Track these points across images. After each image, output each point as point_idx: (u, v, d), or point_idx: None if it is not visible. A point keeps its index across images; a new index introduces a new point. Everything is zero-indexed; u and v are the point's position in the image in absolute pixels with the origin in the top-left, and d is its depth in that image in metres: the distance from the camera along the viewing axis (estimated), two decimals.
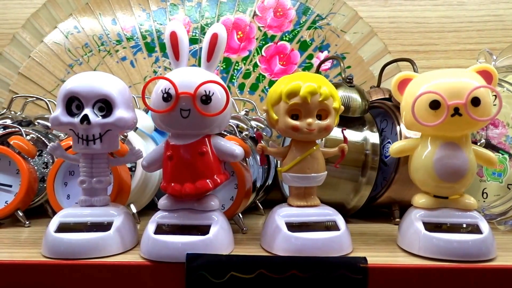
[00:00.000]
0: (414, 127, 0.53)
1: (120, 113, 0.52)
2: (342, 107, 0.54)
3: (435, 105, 0.50)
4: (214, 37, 0.52)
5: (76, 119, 0.51)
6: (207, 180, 0.51)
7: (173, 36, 0.52)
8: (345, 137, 0.55)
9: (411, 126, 0.53)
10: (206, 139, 0.52)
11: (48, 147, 0.55)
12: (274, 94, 0.53)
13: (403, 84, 0.54)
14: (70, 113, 0.52)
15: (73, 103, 0.52)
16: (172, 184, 0.51)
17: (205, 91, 0.49)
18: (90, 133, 0.51)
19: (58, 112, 0.52)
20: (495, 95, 0.54)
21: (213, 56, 0.52)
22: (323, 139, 0.63)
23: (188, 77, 0.50)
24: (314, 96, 0.51)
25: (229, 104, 0.51)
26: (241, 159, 0.54)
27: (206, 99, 0.50)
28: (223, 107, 0.50)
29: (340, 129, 0.56)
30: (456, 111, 0.49)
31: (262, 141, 0.55)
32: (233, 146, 0.53)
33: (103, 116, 0.52)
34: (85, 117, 0.51)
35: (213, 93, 0.50)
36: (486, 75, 0.52)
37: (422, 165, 0.52)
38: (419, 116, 0.50)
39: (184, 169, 0.51)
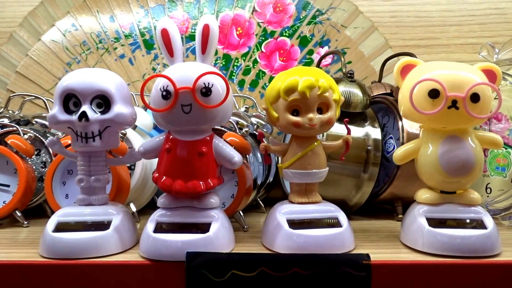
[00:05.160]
0: (410, 116, 0.53)
1: (118, 108, 0.51)
2: (342, 98, 0.54)
3: (434, 94, 0.49)
4: (206, 29, 0.51)
5: (74, 117, 0.50)
6: (200, 182, 0.50)
7: (165, 33, 0.52)
8: (348, 128, 0.54)
9: (407, 114, 0.53)
10: (208, 139, 0.51)
11: (47, 140, 0.54)
12: (272, 92, 0.52)
13: (405, 70, 0.53)
14: (67, 110, 0.51)
15: (70, 100, 0.51)
16: (164, 177, 0.51)
17: (204, 83, 0.49)
18: (89, 130, 0.51)
19: (55, 110, 0.51)
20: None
21: (207, 48, 0.52)
22: (325, 134, 0.62)
23: (185, 71, 0.50)
24: (312, 90, 0.50)
25: (230, 94, 0.50)
26: (238, 167, 0.53)
27: (206, 91, 0.49)
28: (224, 97, 0.49)
29: (343, 122, 0.55)
30: (454, 104, 0.49)
31: (264, 140, 0.54)
32: (233, 153, 0.52)
33: (102, 113, 0.51)
34: (83, 114, 0.50)
35: (212, 85, 0.49)
36: (490, 74, 0.51)
37: (428, 162, 0.52)
38: (417, 103, 0.50)
39: (179, 166, 0.51)
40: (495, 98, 0.52)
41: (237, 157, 0.52)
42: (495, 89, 0.50)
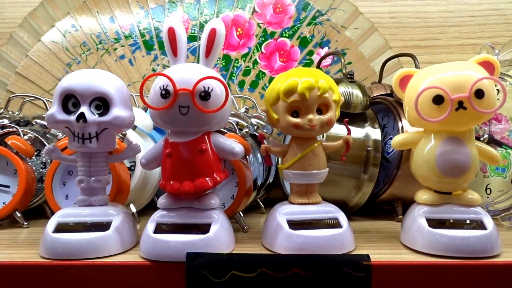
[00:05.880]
0: (418, 124, 0.53)
1: (117, 111, 0.51)
2: (342, 98, 0.54)
3: (438, 100, 0.49)
4: (213, 33, 0.51)
5: (72, 117, 0.50)
6: (207, 178, 0.50)
7: (171, 32, 0.52)
8: (348, 128, 0.54)
9: (415, 123, 0.53)
10: (206, 136, 0.51)
11: (44, 150, 0.54)
12: (272, 94, 0.52)
13: (404, 81, 0.53)
14: (66, 110, 0.51)
15: (69, 100, 0.51)
16: (171, 182, 0.51)
17: (204, 87, 0.49)
18: (86, 132, 0.51)
19: (54, 109, 0.51)
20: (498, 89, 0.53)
21: (211, 52, 0.52)
22: (325, 135, 0.62)
23: (186, 73, 0.50)
24: (312, 91, 0.50)
25: (229, 101, 0.50)
26: (241, 157, 0.53)
27: (205, 95, 0.49)
28: (222, 103, 0.49)
29: (342, 123, 0.55)
30: (460, 105, 0.49)
31: (264, 141, 0.54)
32: (233, 144, 0.52)
33: (100, 115, 0.51)
34: (82, 115, 0.50)
35: (212, 89, 0.49)
36: (488, 65, 0.51)
37: (424, 160, 0.52)
38: (423, 112, 0.49)
39: (183, 167, 0.51)
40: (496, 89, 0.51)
41: (237, 147, 0.52)
42: (496, 80, 0.49)
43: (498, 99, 0.50)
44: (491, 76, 0.49)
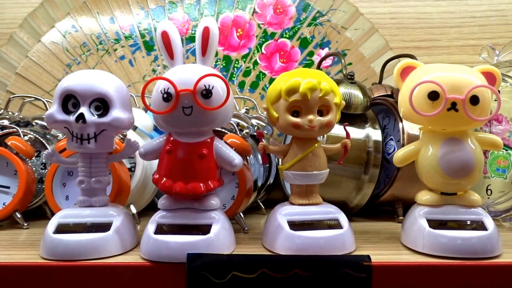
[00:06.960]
0: (410, 117, 0.53)
1: (116, 113, 0.51)
2: (343, 102, 0.54)
3: (434, 95, 0.49)
4: (206, 31, 0.51)
5: (72, 118, 0.50)
6: (200, 184, 0.50)
7: (165, 35, 0.52)
8: (347, 132, 0.54)
9: (407, 116, 0.53)
10: (209, 141, 0.51)
11: (43, 155, 0.54)
12: (273, 92, 0.52)
13: (405, 72, 0.53)
14: (66, 111, 0.51)
15: (69, 101, 0.51)
16: (164, 179, 0.51)
17: (204, 85, 0.49)
18: (85, 132, 0.51)
19: (53, 109, 0.51)
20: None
21: (207, 50, 0.52)
22: (325, 136, 0.62)
23: (186, 74, 0.50)
24: (314, 92, 0.50)
25: (231, 96, 0.50)
26: (239, 169, 0.53)
27: (207, 93, 0.49)
28: (224, 99, 0.49)
29: (342, 125, 0.56)
30: (453, 106, 0.49)
31: (263, 140, 0.54)
32: (234, 156, 0.52)
33: (99, 116, 0.51)
34: (81, 116, 0.50)
35: (213, 87, 0.49)
36: (490, 76, 0.51)
37: (428, 163, 0.52)
38: (417, 105, 0.50)
39: (179, 167, 0.51)
40: (494, 100, 0.52)
41: (237, 159, 0.52)
42: (494, 91, 0.50)
43: (495, 100, 0.50)
44: (490, 86, 0.50)
